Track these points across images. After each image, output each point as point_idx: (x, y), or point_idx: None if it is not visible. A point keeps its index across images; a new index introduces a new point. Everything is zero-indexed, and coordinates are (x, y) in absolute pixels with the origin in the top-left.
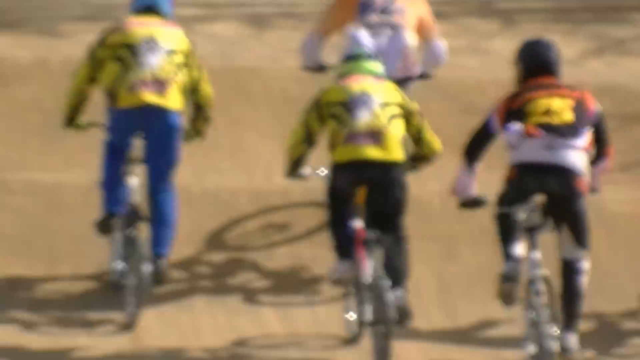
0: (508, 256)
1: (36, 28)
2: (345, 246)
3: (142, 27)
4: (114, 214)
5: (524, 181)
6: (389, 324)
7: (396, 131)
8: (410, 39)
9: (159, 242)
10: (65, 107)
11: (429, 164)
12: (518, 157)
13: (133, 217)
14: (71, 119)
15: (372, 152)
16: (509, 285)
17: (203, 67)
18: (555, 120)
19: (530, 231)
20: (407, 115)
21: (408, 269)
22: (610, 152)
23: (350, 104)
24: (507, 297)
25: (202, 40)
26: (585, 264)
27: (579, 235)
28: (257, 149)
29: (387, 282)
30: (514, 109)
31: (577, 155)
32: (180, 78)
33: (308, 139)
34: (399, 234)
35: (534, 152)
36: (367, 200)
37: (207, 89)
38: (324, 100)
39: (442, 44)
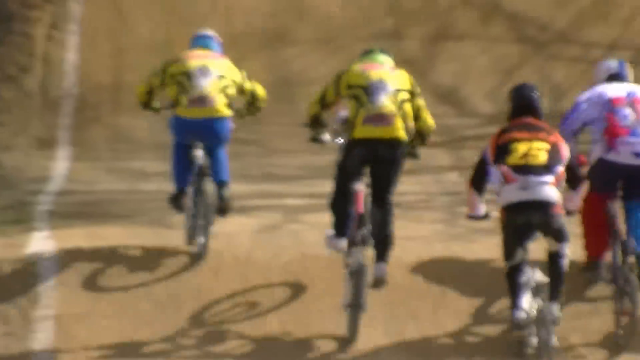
0: (516, 306)
1: (147, 219)
2: (343, 224)
3: (196, 59)
4: (183, 189)
5: (514, 220)
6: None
7: (405, 114)
8: None
9: (218, 170)
10: (139, 95)
11: (424, 144)
12: (503, 201)
13: (200, 173)
14: (146, 103)
15: (385, 132)
16: (518, 333)
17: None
18: (531, 162)
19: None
20: (413, 98)
21: (393, 240)
22: (582, 185)
23: (369, 89)
24: (517, 345)
25: (307, 229)
26: (567, 251)
27: (562, 239)
28: None
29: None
30: (500, 145)
31: (549, 189)
32: (227, 95)
33: (322, 102)
34: (389, 205)
35: (512, 193)
36: (370, 174)
37: (258, 88)
38: (345, 81)
39: None
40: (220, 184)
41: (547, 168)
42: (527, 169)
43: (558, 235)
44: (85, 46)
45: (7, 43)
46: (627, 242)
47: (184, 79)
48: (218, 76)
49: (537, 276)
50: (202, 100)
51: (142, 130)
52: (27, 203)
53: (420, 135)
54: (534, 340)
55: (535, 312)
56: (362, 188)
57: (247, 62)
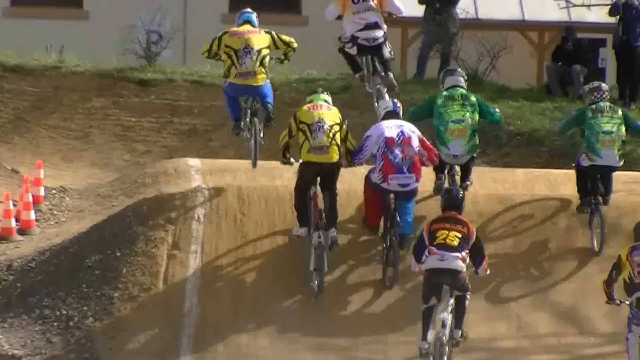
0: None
1: None
2: (305, 217)
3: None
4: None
5: (432, 280)
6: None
7: (337, 142)
8: None
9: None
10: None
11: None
12: (426, 266)
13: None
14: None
15: (324, 158)
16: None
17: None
18: (448, 243)
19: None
20: (341, 127)
21: (337, 213)
22: (485, 259)
23: (312, 126)
24: None
25: None
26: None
27: (466, 290)
28: None
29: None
30: (431, 230)
31: (458, 261)
32: (264, 65)
33: (289, 134)
34: (334, 192)
35: (434, 262)
36: (320, 180)
37: (287, 39)
38: (299, 118)
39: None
40: (265, 105)
41: (458, 248)
42: (445, 247)
43: (462, 289)
44: (206, 267)
45: (130, 263)
46: (394, 219)
47: (232, 55)
48: (257, 51)
49: (444, 315)
50: (246, 75)
51: (264, 349)
52: None
53: (348, 151)
54: None
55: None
56: (316, 191)
57: None
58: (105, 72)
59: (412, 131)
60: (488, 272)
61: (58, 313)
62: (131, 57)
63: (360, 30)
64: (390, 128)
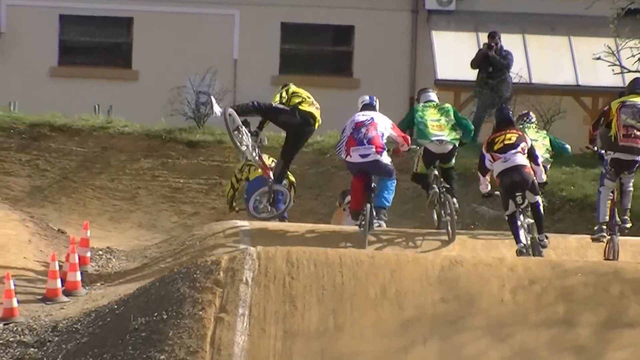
0: (518, 241)
1: None
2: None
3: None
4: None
5: (504, 182)
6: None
7: None
8: None
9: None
10: None
11: None
12: (495, 173)
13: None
14: None
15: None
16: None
17: None
18: (506, 143)
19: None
20: None
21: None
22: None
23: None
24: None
25: None
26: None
27: (535, 192)
28: None
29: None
30: (489, 142)
31: (519, 155)
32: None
33: None
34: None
35: (500, 166)
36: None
37: None
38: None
39: None
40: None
41: (516, 145)
42: (506, 147)
43: (532, 189)
44: (254, 330)
45: (177, 326)
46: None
47: None
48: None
49: (527, 220)
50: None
51: None
52: None
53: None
54: None
55: (529, 241)
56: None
57: (417, 346)
58: (153, 133)
59: (382, 119)
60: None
61: None
62: (180, 118)
63: None
64: (362, 115)
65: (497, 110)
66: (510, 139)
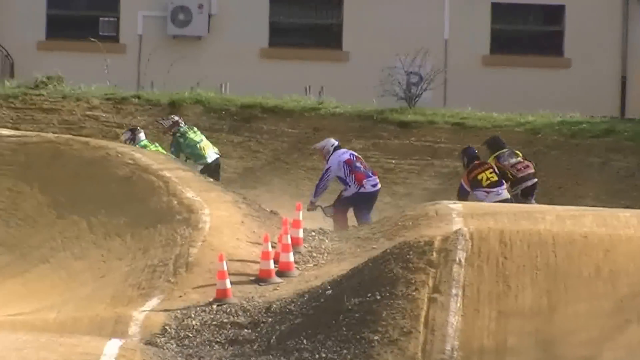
0: None
1: None
2: None
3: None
4: None
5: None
6: None
7: None
8: None
9: None
10: None
11: None
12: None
13: None
14: None
15: None
16: None
17: None
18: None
19: None
20: None
21: None
22: None
23: None
24: None
25: None
26: None
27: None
28: None
29: None
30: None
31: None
32: None
33: None
34: None
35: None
36: None
37: None
38: None
39: None
40: None
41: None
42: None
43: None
44: (468, 310)
45: (390, 306)
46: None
47: None
48: None
49: None
50: None
51: None
52: None
53: None
54: None
55: None
56: None
57: (632, 326)
58: (365, 114)
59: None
60: None
61: (317, 356)
62: (391, 98)
63: None
64: (343, 154)
65: (466, 149)
66: (492, 177)
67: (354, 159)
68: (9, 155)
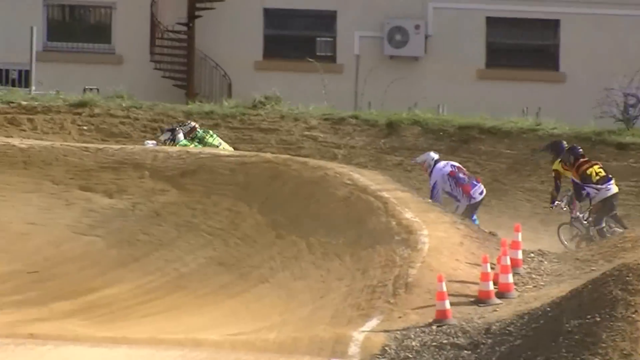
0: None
1: None
2: None
3: None
4: None
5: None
6: None
7: None
8: None
9: None
10: None
11: None
12: (600, 198)
13: None
14: None
15: None
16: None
17: None
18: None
19: None
20: None
21: None
22: None
23: None
24: None
25: None
26: None
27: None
28: None
29: None
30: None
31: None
32: None
33: None
34: None
35: (604, 193)
36: None
37: None
38: None
39: None
40: None
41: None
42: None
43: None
44: None
45: (610, 328)
46: None
47: None
48: None
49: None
50: None
51: None
52: None
53: None
54: None
55: None
56: None
57: None
58: (582, 135)
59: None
60: None
61: None
62: (609, 120)
63: None
64: (445, 167)
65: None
66: (601, 172)
67: (456, 170)
68: (228, 175)
